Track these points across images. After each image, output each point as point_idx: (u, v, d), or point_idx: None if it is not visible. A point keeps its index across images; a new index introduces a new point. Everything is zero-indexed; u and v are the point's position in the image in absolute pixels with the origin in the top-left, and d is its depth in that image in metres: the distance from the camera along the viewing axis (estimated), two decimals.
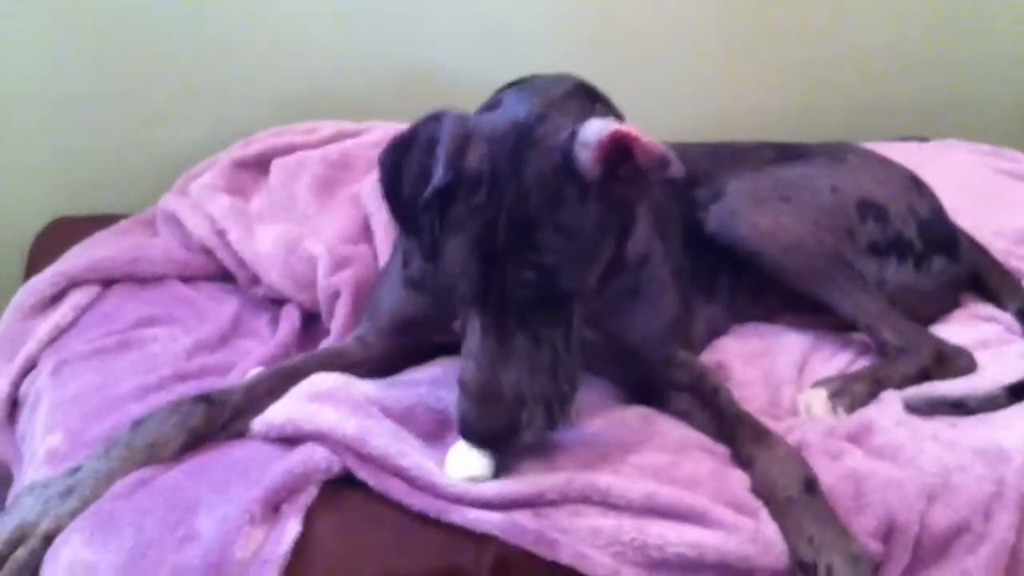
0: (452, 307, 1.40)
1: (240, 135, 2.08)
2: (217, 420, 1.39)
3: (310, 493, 1.31)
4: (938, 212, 1.85)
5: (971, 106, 2.70)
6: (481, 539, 1.28)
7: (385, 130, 1.97)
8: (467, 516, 1.29)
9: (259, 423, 1.39)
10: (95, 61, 2.12)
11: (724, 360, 1.67)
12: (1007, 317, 1.80)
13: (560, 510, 1.31)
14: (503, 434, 1.31)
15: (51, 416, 1.48)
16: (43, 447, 1.42)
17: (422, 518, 1.30)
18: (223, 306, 1.78)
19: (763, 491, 1.36)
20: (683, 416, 1.50)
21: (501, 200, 1.29)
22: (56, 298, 1.74)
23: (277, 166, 1.99)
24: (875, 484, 1.36)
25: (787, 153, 1.88)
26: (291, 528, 1.26)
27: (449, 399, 1.40)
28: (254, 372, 1.50)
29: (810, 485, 1.35)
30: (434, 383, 1.50)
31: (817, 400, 1.57)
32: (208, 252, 1.85)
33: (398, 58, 2.30)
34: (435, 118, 1.36)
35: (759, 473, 1.38)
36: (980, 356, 1.67)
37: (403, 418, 1.41)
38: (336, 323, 1.70)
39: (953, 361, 1.66)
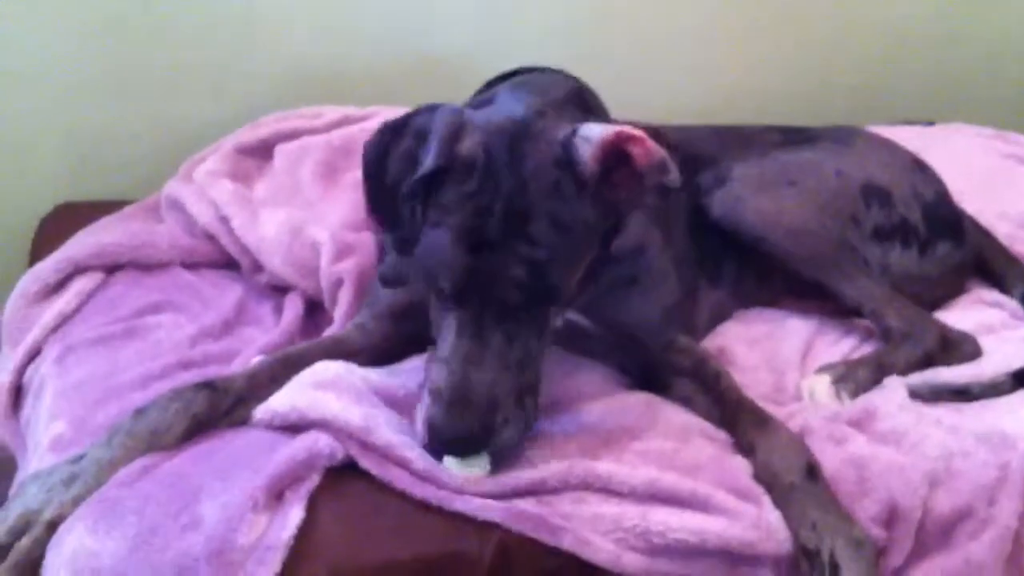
0: None
1: (246, 120, 2.06)
2: (220, 407, 1.38)
3: (313, 480, 1.31)
4: (943, 196, 1.85)
5: (977, 90, 2.70)
6: (483, 526, 1.29)
7: (390, 116, 1.96)
8: (470, 504, 1.29)
9: (262, 410, 1.38)
10: (98, 48, 2.11)
11: (728, 345, 1.66)
12: (1012, 302, 1.80)
13: (562, 497, 1.31)
14: (476, 440, 1.29)
15: (55, 403, 1.47)
16: (47, 435, 1.42)
17: (425, 505, 1.30)
18: (227, 293, 1.77)
19: (765, 477, 1.36)
20: (685, 402, 1.50)
21: (496, 189, 1.28)
22: (60, 285, 1.74)
23: (281, 152, 1.98)
24: (878, 469, 1.36)
25: (793, 137, 1.87)
26: (294, 515, 1.27)
27: None
28: (257, 359, 1.50)
29: (812, 471, 1.35)
30: None
31: (821, 385, 1.56)
32: (212, 239, 1.84)
33: (406, 43, 2.29)
34: (430, 108, 1.35)
35: (761, 459, 1.38)
36: (985, 341, 1.67)
37: (405, 407, 1.41)
38: (339, 311, 1.68)
39: (958, 347, 1.65)
